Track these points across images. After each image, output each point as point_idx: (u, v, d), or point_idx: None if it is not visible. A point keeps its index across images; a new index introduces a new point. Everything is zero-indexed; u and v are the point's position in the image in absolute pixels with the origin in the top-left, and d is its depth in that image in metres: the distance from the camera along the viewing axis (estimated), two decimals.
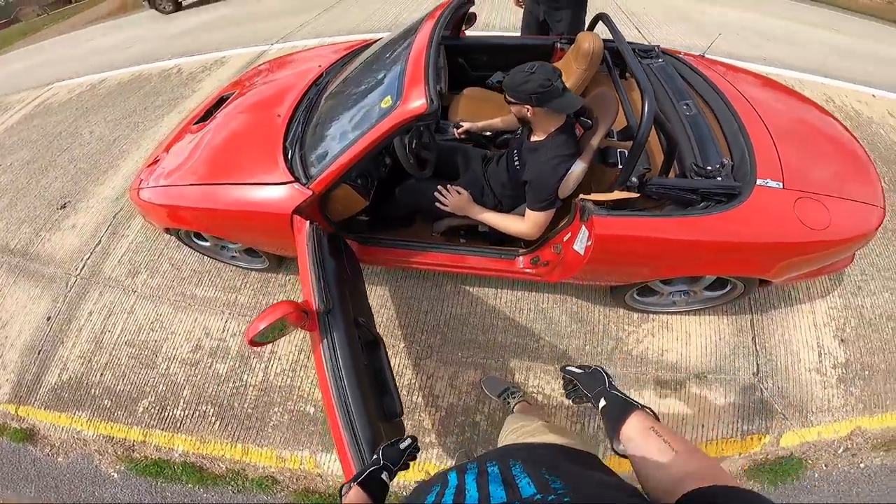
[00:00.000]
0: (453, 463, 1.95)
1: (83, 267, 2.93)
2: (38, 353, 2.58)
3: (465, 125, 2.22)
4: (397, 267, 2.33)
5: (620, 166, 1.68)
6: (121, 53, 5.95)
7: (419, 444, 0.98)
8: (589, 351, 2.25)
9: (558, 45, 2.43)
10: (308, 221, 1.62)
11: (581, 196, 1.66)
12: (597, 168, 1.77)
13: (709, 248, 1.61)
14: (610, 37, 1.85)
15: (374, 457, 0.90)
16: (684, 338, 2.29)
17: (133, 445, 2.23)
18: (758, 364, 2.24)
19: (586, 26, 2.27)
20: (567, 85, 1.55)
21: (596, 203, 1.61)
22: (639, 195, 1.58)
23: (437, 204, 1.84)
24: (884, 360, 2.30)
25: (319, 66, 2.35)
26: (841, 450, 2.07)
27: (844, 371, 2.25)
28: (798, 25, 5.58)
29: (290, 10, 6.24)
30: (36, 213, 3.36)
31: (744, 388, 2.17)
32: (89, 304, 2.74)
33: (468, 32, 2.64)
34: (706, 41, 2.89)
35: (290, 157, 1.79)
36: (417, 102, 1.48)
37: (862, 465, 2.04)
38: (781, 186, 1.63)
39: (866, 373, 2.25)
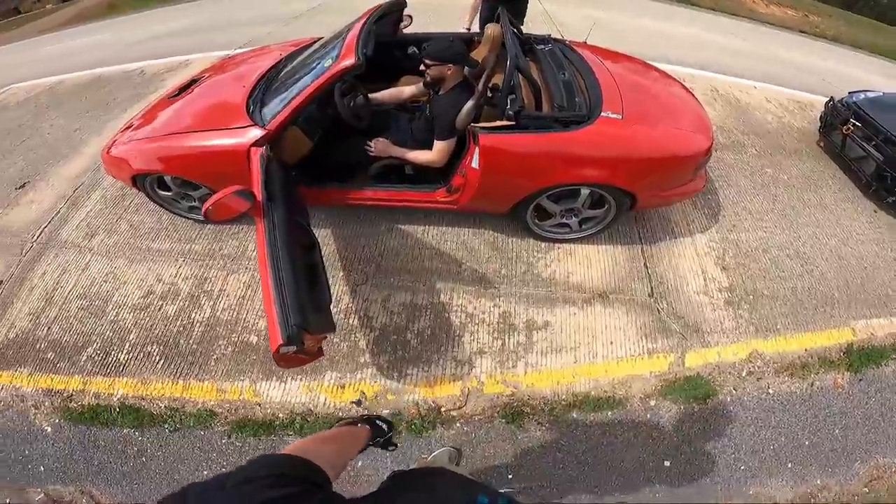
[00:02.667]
0: (397, 385, 2.19)
1: (39, 234, 3.07)
2: None
3: (374, 95, 2.64)
4: (340, 204, 2.67)
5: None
6: (77, 58, 6.15)
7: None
8: (504, 273, 2.62)
9: (476, 38, 2.97)
10: (262, 149, 2.02)
11: (472, 125, 2.14)
12: (487, 111, 2.29)
13: (562, 157, 2.17)
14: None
15: (383, 429, 0.99)
16: (586, 262, 2.68)
17: (71, 395, 2.26)
18: (651, 286, 2.61)
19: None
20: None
21: (485, 129, 2.12)
22: (514, 122, 2.09)
23: (367, 149, 2.33)
24: (766, 286, 2.68)
25: (281, 53, 2.82)
26: (744, 373, 2.31)
27: (730, 295, 2.61)
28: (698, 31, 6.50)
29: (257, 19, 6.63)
30: None
31: (642, 307, 2.51)
32: (43, 266, 2.86)
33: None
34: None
35: (250, 110, 2.24)
36: (349, 59, 2.02)
37: (771, 391, 2.27)
38: (621, 118, 2.18)
39: (751, 297, 2.61)
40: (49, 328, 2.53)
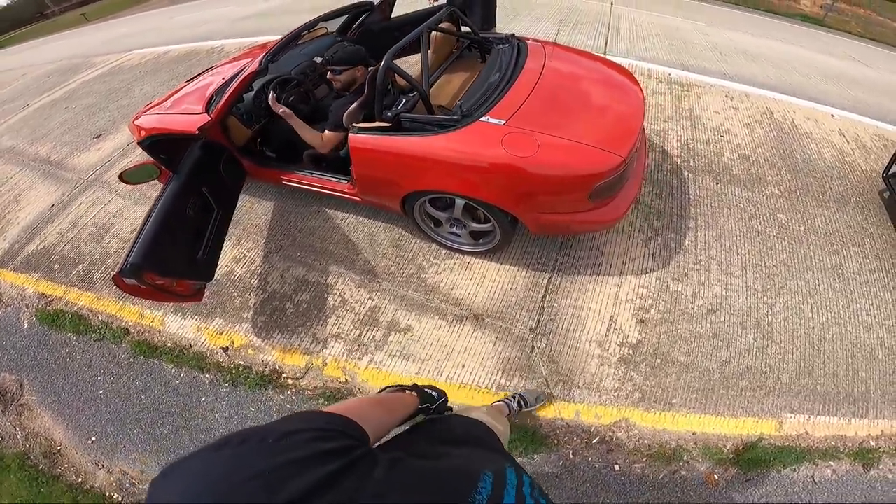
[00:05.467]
0: (260, 343, 2.46)
1: (91, 174, 3.91)
2: (32, 230, 3.54)
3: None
4: (277, 184, 2.97)
5: (395, 108, 2.22)
6: (193, 30, 7.47)
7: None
8: (393, 271, 2.67)
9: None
10: (203, 136, 2.46)
11: (353, 125, 2.22)
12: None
13: (424, 162, 2.10)
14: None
15: (434, 396, 0.97)
16: (478, 279, 2.58)
17: (51, 300, 2.91)
18: (538, 320, 2.40)
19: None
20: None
21: (360, 129, 2.18)
22: (390, 124, 2.12)
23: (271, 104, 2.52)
24: (686, 353, 2.29)
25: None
26: (596, 440, 2.05)
27: (632, 353, 2.28)
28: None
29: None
30: (78, 139, 4.52)
31: (516, 340, 2.34)
32: (82, 198, 3.70)
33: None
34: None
35: (210, 100, 2.67)
36: (253, 66, 2.49)
37: (616, 468, 1.99)
38: (503, 123, 2.04)
39: (658, 361, 2.26)
40: (65, 246, 3.30)
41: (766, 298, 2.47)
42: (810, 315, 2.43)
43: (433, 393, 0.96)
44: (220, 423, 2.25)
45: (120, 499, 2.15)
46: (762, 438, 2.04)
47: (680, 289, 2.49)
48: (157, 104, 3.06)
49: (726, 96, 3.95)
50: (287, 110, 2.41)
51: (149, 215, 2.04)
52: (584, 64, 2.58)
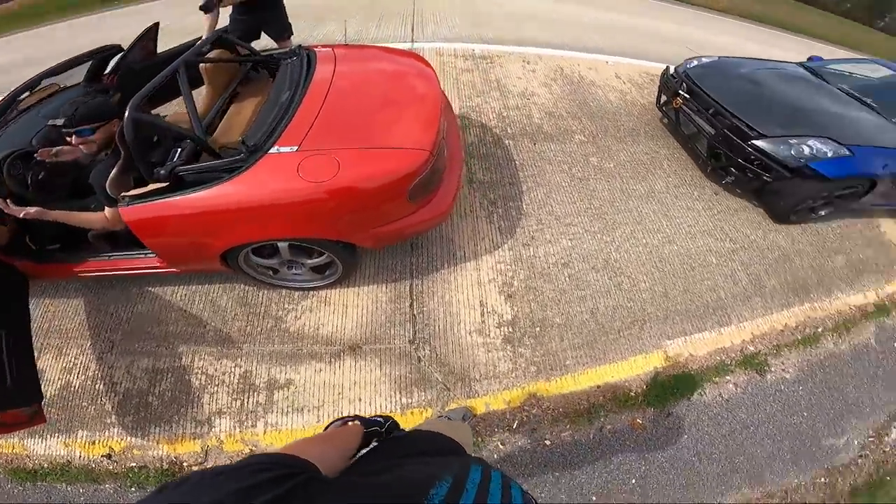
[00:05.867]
0: (142, 442, 2.10)
1: None
2: None
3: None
4: (69, 278, 2.38)
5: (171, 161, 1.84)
6: None
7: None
8: (250, 331, 2.33)
9: None
10: None
11: (122, 194, 1.80)
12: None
13: (222, 214, 1.78)
14: None
15: (381, 422, 0.94)
16: (341, 310, 2.38)
17: None
18: (414, 330, 2.30)
19: None
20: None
21: (132, 198, 1.78)
22: (167, 183, 1.76)
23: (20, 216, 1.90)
24: (559, 312, 2.37)
25: None
26: (515, 424, 2.03)
27: (511, 330, 2.29)
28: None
29: None
30: None
31: (400, 357, 2.21)
32: None
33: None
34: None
35: None
36: None
37: (547, 442, 2.00)
38: (297, 149, 1.81)
39: (537, 330, 2.30)
40: None
41: (604, 237, 2.72)
42: (644, 240, 2.74)
43: (378, 419, 0.96)
44: None
45: None
46: (657, 373, 2.24)
47: (532, 252, 2.60)
48: None
49: (524, 62, 4.26)
50: (35, 210, 1.83)
51: None
52: (374, 61, 2.47)
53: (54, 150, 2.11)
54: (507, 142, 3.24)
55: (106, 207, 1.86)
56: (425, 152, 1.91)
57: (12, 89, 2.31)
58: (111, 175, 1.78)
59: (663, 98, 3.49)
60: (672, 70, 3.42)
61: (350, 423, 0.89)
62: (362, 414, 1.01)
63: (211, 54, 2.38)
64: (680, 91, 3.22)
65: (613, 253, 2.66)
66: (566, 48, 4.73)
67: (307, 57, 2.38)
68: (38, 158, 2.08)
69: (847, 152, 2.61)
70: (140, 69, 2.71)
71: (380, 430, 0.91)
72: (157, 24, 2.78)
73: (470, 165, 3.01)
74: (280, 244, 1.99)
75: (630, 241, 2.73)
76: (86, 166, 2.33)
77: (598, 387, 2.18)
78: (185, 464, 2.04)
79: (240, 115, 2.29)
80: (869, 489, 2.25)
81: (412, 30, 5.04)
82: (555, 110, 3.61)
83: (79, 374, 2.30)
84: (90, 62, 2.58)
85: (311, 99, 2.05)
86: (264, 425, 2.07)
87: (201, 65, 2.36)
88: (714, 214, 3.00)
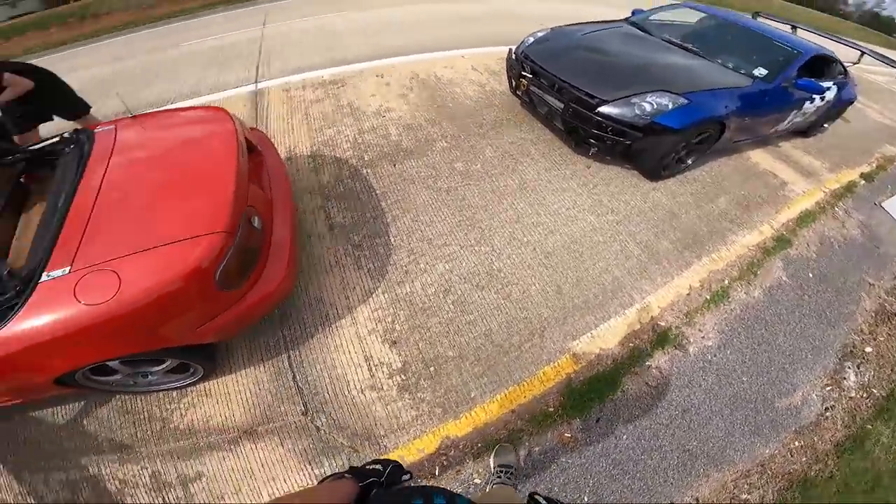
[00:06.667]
0: None
1: None
2: None
3: None
4: None
5: None
6: None
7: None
8: (140, 435, 2.06)
9: None
10: None
11: None
12: None
13: (16, 356, 1.53)
14: None
15: (379, 469, 0.91)
16: (224, 398, 2.13)
17: None
18: (304, 402, 2.09)
19: None
20: None
21: None
22: None
23: None
24: (451, 344, 2.19)
25: None
26: (437, 469, 1.90)
27: (404, 377, 2.11)
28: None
29: None
30: None
31: (298, 430, 2.01)
32: None
33: None
34: None
35: None
36: None
37: (477, 480, 1.86)
38: (69, 271, 1.56)
39: (432, 369, 2.12)
40: None
41: (483, 248, 2.56)
42: (526, 239, 2.61)
43: (377, 467, 0.93)
44: None
45: None
46: (571, 379, 2.09)
47: (408, 289, 2.39)
48: None
49: (378, 76, 4.07)
50: None
51: None
52: (158, 130, 2.16)
53: None
54: (364, 171, 3.01)
55: None
56: (219, 235, 1.65)
57: None
58: None
59: (513, 83, 3.40)
60: (513, 52, 3.32)
61: (345, 479, 0.87)
62: (363, 462, 0.96)
63: None
64: (523, 73, 3.13)
65: (496, 262, 2.51)
66: (424, 51, 4.57)
67: (85, 143, 2.05)
68: None
69: (685, 101, 2.61)
70: None
71: (378, 480, 0.89)
72: None
73: (328, 209, 2.76)
74: (110, 363, 1.71)
75: (511, 244, 2.59)
76: None
77: (513, 411, 2.02)
78: None
79: (29, 231, 1.92)
80: (855, 442, 2.17)
81: (257, 70, 4.71)
82: (413, 122, 3.43)
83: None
84: None
85: (82, 200, 1.76)
86: None
87: None
88: (590, 190, 2.94)
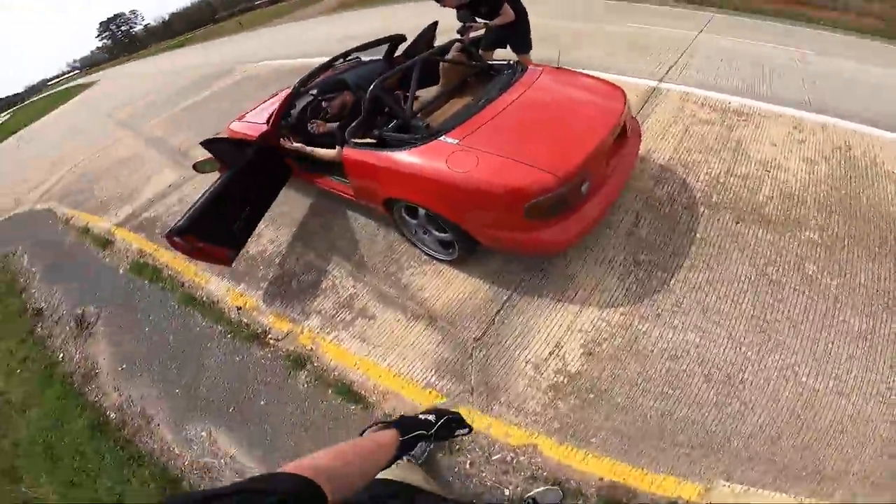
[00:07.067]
0: (264, 309, 2.94)
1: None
2: (151, 202, 4.64)
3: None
4: (310, 182, 3.43)
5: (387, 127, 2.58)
6: (302, 46, 9.27)
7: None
8: (378, 267, 2.97)
9: None
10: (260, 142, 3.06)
11: (353, 140, 2.61)
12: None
13: (389, 174, 2.41)
14: None
15: (430, 421, 0.89)
16: (444, 285, 2.70)
17: (145, 255, 3.86)
18: (485, 332, 2.42)
19: None
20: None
21: (356, 143, 2.58)
22: (375, 141, 2.50)
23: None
24: (627, 395, 2.06)
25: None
26: (496, 457, 1.97)
27: (565, 381, 2.15)
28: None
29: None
30: (202, 136, 5.66)
31: (457, 344, 2.39)
32: (193, 182, 4.68)
33: None
34: None
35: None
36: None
37: (507, 492, 1.88)
38: (457, 143, 2.22)
39: (590, 396, 2.08)
40: (168, 216, 4.28)
41: (750, 353, 2.12)
42: (804, 380, 2.02)
43: (430, 418, 0.89)
44: (212, 364, 2.74)
45: (114, 416, 2.69)
46: (676, 501, 1.77)
47: (645, 328, 2.27)
48: (247, 113, 3.91)
49: (794, 127, 3.45)
50: (299, 145, 3.00)
51: (203, 195, 2.58)
52: (569, 86, 2.60)
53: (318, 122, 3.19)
54: (701, 209, 2.80)
55: (337, 146, 2.69)
56: (552, 177, 1.98)
57: (331, 56, 3.49)
58: (352, 126, 2.60)
59: None
60: None
61: (388, 431, 0.84)
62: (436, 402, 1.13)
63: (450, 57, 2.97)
64: None
65: (747, 374, 2.05)
66: (880, 126, 3.51)
67: (516, 72, 2.72)
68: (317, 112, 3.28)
69: None
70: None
71: (426, 433, 0.86)
72: (436, 23, 3.61)
73: (639, 217, 2.78)
74: (420, 210, 2.45)
75: (782, 372, 2.04)
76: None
77: (601, 479, 1.83)
78: (268, 336, 2.74)
79: (452, 108, 2.81)
80: None
81: (668, 69, 4.69)
82: (797, 194, 2.85)
83: (275, 247, 3.36)
84: (380, 45, 3.57)
85: (494, 107, 2.40)
86: (334, 338, 2.61)
87: (441, 64, 2.98)
88: None
